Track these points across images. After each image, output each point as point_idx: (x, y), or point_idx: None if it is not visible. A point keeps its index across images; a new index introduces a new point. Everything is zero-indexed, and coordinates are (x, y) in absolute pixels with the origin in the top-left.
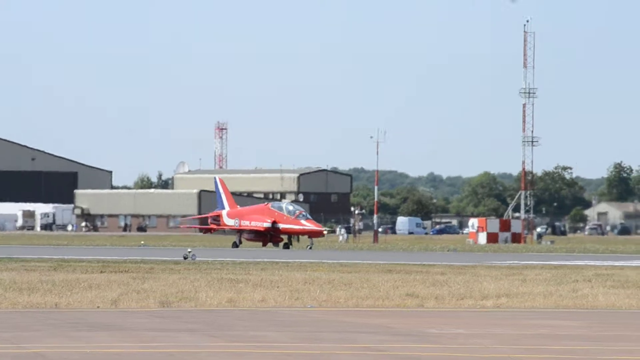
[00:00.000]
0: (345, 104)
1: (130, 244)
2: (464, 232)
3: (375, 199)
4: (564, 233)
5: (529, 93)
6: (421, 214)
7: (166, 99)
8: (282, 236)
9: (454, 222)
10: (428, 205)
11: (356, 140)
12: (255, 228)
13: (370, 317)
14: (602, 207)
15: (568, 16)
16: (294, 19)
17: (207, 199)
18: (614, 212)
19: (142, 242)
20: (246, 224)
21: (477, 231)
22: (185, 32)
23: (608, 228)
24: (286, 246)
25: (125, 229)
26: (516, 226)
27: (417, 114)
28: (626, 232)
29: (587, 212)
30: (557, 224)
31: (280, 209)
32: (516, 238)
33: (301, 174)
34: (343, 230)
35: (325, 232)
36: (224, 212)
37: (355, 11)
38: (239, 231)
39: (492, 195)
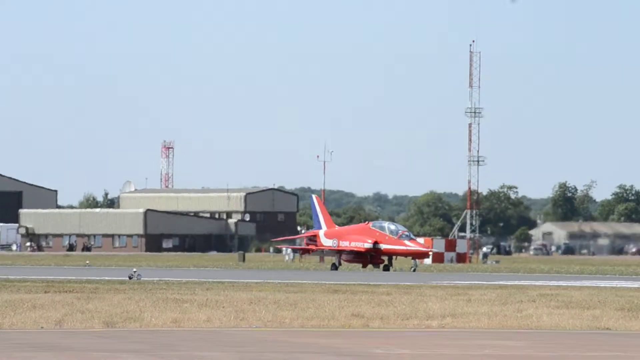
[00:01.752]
0: (291, 123)
1: (75, 263)
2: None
3: None
4: (509, 253)
5: (475, 113)
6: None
7: (112, 117)
8: (383, 257)
9: None
10: None
11: (303, 160)
12: (355, 249)
13: (315, 338)
14: (547, 227)
15: (513, 36)
16: (240, 37)
17: (153, 218)
18: (559, 232)
19: (87, 262)
20: (345, 244)
21: None
22: (131, 50)
23: (553, 248)
24: (386, 268)
25: (70, 248)
26: (462, 246)
27: (363, 133)
28: (571, 252)
29: (532, 231)
30: (502, 243)
31: (382, 228)
32: (462, 258)
33: (248, 193)
34: (289, 250)
35: (430, 253)
36: (321, 232)
37: (302, 31)
38: (338, 252)
39: (438, 214)
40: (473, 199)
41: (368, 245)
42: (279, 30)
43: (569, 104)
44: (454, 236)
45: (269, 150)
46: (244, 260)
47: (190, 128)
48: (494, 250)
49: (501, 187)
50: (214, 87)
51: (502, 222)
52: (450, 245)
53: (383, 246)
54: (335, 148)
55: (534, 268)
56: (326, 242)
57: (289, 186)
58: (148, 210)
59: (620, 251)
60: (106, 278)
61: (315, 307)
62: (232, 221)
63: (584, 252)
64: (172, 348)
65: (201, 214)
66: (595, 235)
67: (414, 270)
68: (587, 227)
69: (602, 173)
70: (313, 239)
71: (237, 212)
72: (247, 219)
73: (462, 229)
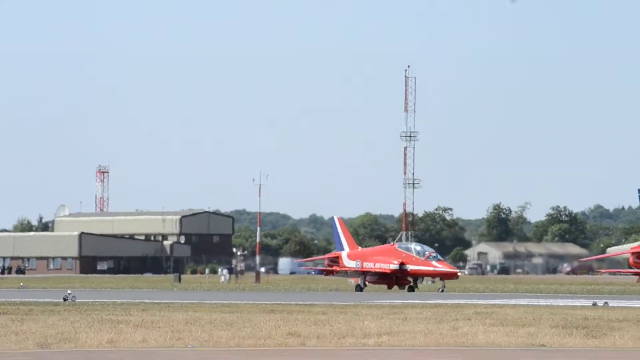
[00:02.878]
0: (227, 146)
1: (9, 286)
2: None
3: (258, 240)
4: None
5: (410, 136)
6: (303, 254)
7: (46, 141)
8: (409, 278)
9: None
10: (310, 245)
11: (238, 182)
12: (381, 270)
13: (252, 357)
14: (482, 247)
15: (446, 59)
16: (172, 63)
17: (87, 241)
18: (494, 252)
19: (22, 284)
20: (370, 265)
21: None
22: (64, 73)
23: (488, 268)
24: (411, 289)
25: (3, 271)
26: None
27: (299, 156)
28: (505, 272)
29: (467, 252)
30: None
31: (409, 249)
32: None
33: (183, 216)
34: (225, 271)
35: (459, 274)
36: (343, 254)
37: (234, 54)
38: (363, 273)
39: (373, 235)
40: (408, 220)
41: (394, 266)
42: (211, 55)
43: (503, 126)
44: None
45: (204, 173)
46: (179, 281)
47: (125, 152)
48: None
49: (436, 209)
50: (149, 110)
51: (437, 242)
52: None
53: (410, 267)
54: (270, 171)
55: (469, 287)
56: (349, 264)
57: (225, 209)
58: (82, 233)
59: (554, 270)
60: (41, 300)
61: (252, 327)
62: (167, 243)
63: (518, 272)
64: None
65: (136, 237)
66: (529, 255)
67: (442, 291)
68: (522, 247)
69: (535, 195)
70: (335, 260)
71: (172, 234)
72: (183, 241)
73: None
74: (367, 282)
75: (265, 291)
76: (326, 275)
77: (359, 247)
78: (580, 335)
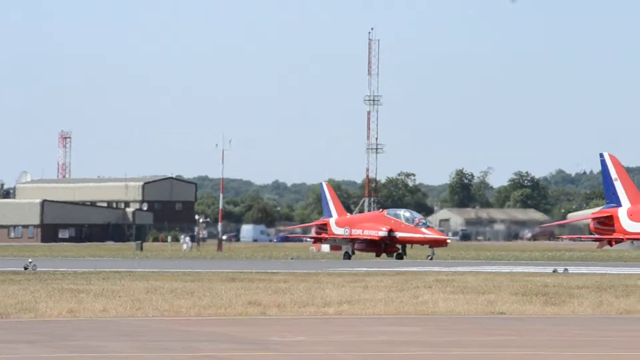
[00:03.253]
0: (189, 112)
1: None
2: (308, 239)
3: (220, 207)
4: None
5: (374, 100)
6: (266, 221)
7: (8, 107)
8: (397, 245)
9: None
10: (272, 212)
11: (201, 149)
12: (369, 237)
13: (212, 326)
14: (444, 213)
15: (411, 24)
16: (137, 27)
17: (50, 208)
18: (456, 219)
19: None
20: (358, 232)
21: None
22: (28, 38)
23: (450, 234)
24: (399, 256)
25: None
26: None
27: (262, 121)
28: (467, 238)
29: (429, 218)
30: None
31: (397, 216)
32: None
33: (146, 183)
34: (187, 239)
35: (449, 241)
36: (331, 220)
37: (200, 20)
38: (351, 240)
39: None
40: (371, 186)
41: (383, 233)
42: (178, 18)
43: (466, 91)
44: None
45: (166, 140)
46: (141, 249)
47: (87, 118)
48: None
49: (399, 175)
50: (111, 76)
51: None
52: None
53: (399, 234)
54: (233, 137)
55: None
56: (337, 231)
57: (187, 175)
58: (44, 200)
59: (516, 237)
60: (0, 269)
61: (212, 296)
62: (129, 210)
63: (480, 238)
64: (67, 338)
65: (98, 204)
66: (491, 222)
67: (431, 259)
68: (484, 213)
69: (498, 160)
70: (323, 227)
71: (134, 201)
72: (145, 208)
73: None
74: (355, 250)
75: (227, 259)
76: (315, 242)
77: (348, 214)
78: (539, 303)
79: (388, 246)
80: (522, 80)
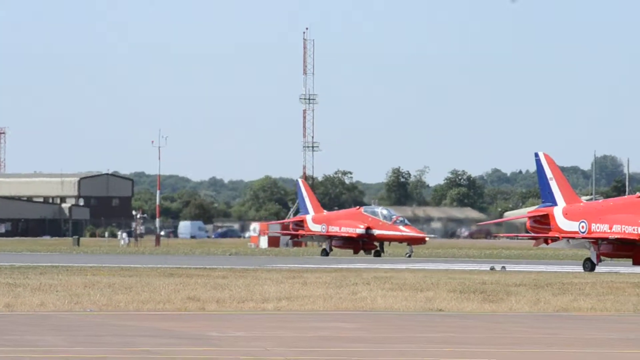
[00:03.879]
0: (126, 108)
1: None
2: (246, 236)
3: (157, 203)
4: None
5: (309, 99)
6: (203, 218)
7: None
8: (375, 243)
9: (236, 226)
10: (210, 209)
11: (138, 145)
12: (347, 234)
13: (151, 321)
14: None
15: (345, 23)
16: (74, 21)
17: None
18: None
19: None
20: (335, 229)
21: (259, 235)
22: None
23: None
24: (377, 254)
25: None
26: None
27: (199, 118)
28: None
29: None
30: None
31: (375, 213)
32: (297, 242)
33: (82, 178)
34: (124, 234)
35: (427, 239)
36: (308, 217)
37: (135, 14)
38: (329, 237)
39: (273, 199)
40: (308, 183)
41: (360, 230)
42: (113, 13)
43: (403, 90)
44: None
45: (103, 135)
46: (78, 244)
47: (23, 112)
48: None
49: (336, 173)
50: (47, 69)
51: (336, 206)
52: (286, 229)
53: (376, 232)
54: (170, 133)
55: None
56: (314, 227)
57: (124, 171)
58: None
59: (452, 235)
60: None
61: (151, 291)
62: (65, 206)
63: None
64: (4, 332)
65: (34, 199)
66: (428, 220)
67: (410, 257)
68: (420, 211)
69: (435, 159)
70: (300, 223)
71: (71, 196)
72: (82, 203)
73: (298, 213)
74: (332, 247)
75: (165, 255)
76: (292, 239)
77: (325, 211)
78: (477, 300)
79: (366, 243)
80: (459, 79)
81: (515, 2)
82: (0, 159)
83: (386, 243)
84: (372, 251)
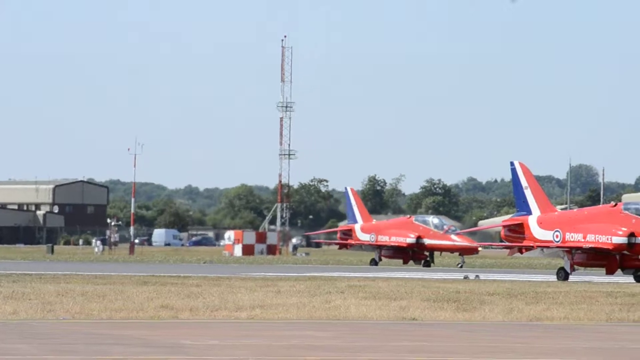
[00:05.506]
0: (101, 115)
1: None
2: (221, 244)
3: (132, 211)
4: (318, 245)
5: (286, 107)
6: (178, 226)
7: None
8: (425, 252)
9: (211, 234)
10: (185, 217)
11: (113, 152)
12: (396, 244)
13: (124, 329)
14: None
15: (324, 31)
16: (56, 24)
17: None
18: None
19: None
20: (385, 239)
21: (234, 243)
22: None
23: None
24: (427, 264)
25: None
26: (272, 238)
27: (175, 125)
28: None
29: (341, 224)
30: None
31: (426, 222)
32: (272, 250)
33: (57, 185)
34: (99, 242)
35: (480, 249)
36: (356, 226)
37: (116, 19)
38: (378, 247)
39: (248, 207)
40: (284, 192)
41: (411, 240)
42: (91, 18)
43: (379, 98)
44: (264, 229)
45: (78, 142)
46: (52, 252)
47: None
48: (304, 243)
49: (312, 181)
50: (22, 74)
51: (312, 214)
52: (261, 238)
53: (427, 241)
54: (146, 140)
55: (343, 260)
56: (363, 237)
57: (99, 178)
58: None
59: None
60: None
61: (124, 299)
62: (40, 213)
63: None
64: None
65: (9, 206)
66: None
67: (461, 267)
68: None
69: (410, 167)
70: (348, 232)
71: (45, 204)
72: (56, 211)
73: (273, 221)
74: (382, 257)
75: (139, 263)
76: (340, 248)
77: (373, 220)
78: (451, 309)
79: (416, 253)
80: (435, 87)
81: (515, 1)
82: None
83: (437, 253)
84: (422, 261)
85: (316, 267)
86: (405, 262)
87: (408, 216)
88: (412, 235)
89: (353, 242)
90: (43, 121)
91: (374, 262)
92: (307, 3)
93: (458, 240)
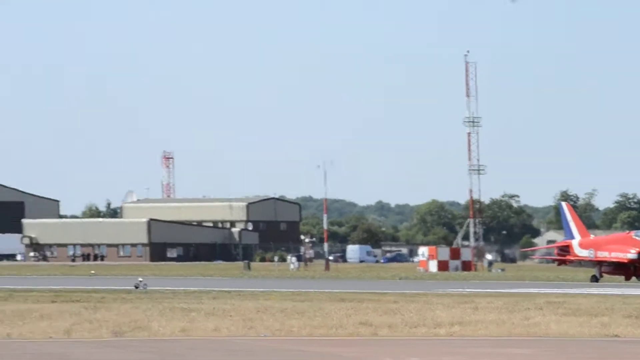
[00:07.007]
0: (292, 132)
1: (80, 273)
2: (415, 260)
3: (325, 227)
4: (513, 261)
5: (473, 122)
6: (371, 242)
7: (112, 127)
8: None
9: (404, 250)
10: (377, 233)
11: (304, 169)
12: (617, 259)
13: (324, 346)
14: (551, 235)
15: (509, 43)
16: (240, 45)
17: (156, 228)
18: None
19: (92, 272)
20: (604, 255)
21: (428, 259)
22: (130, 60)
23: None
24: None
25: (84, 258)
26: (466, 254)
27: (364, 142)
28: None
29: (536, 240)
30: (506, 251)
31: None
32: (467, 266)
33: (250, 203)
34: (294, 259)
35: None
36: (574, 242)
37: (302, 39)
38: (598, 263)
39: (440, 223)
40: (475, 207)
41: (632, 255)
42: (279, 38)
43: (570, 111)
44: (458, 244)
45: (269, 160)
46: (249, 269)
47: (189, 138)
48: (499, 259)
49: (502, 196)
50: (214, 96)
51: (505, 230)
52: (455, 254)
53: None
54: (336, 157)
55: (539, 276)
56: (581, 253)
57: (290, 195)
58: (151, 219)
59: None
60: (112, 287)
61: (323, 316)
62: (235, 230)
63: None
64: (181, 357)
65: (204, 224)
66: None
67: None
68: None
69: (603, 181)
70: (565, 249)
71: (239, 221)
72: (250, 228)
73: (466, 237)
74: (602, 273)
75: (335, 279)
76: (558, 265)
77: (591, 235)
78: None
79: (638, 269)
80: (631, 100)
81: (515, 1)
82: (169, 183)
83: None
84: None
85: (513, 283)
86: (627, 279)
87: (627, 232)
88: (633, 251)
89: (572, 257)
90: (234, 139)
91: (594, 279)
92: (491, 14)
93: None
